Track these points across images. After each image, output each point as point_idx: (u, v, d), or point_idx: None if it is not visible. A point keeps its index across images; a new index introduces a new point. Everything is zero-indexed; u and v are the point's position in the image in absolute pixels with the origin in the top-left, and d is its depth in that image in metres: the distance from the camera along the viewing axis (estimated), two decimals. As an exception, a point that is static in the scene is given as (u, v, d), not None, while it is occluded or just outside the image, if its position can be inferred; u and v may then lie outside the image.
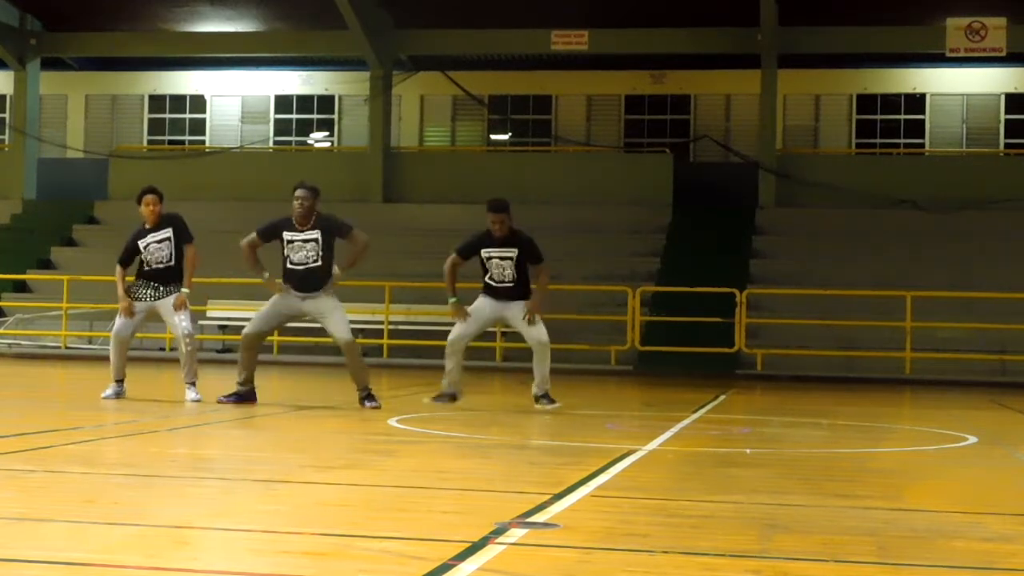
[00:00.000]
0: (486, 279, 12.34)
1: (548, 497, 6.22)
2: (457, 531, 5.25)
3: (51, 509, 5.66)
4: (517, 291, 12.31)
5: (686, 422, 11.70)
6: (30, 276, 28.22)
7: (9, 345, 25.64)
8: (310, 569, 4.52)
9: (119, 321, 12.32)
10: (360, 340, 24.39)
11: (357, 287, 25.15)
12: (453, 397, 12.50)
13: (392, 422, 10.71)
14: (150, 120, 35.02)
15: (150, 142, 34.86)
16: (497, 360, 23.18)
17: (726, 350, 23.49)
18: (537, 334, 12.25)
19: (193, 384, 12.27)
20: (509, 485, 7.18)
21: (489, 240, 12.24)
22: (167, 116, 34.97)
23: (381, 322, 24.60)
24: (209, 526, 5.39)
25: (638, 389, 18.68)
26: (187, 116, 34.87)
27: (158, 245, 12.23)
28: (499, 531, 5.20)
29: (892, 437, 11.51)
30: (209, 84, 34.70)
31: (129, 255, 12.38)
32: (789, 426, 12.08)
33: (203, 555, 4.81)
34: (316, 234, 11.89)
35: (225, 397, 12.09)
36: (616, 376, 22.21)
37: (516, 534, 5.19)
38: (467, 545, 4.88)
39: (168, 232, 12.26)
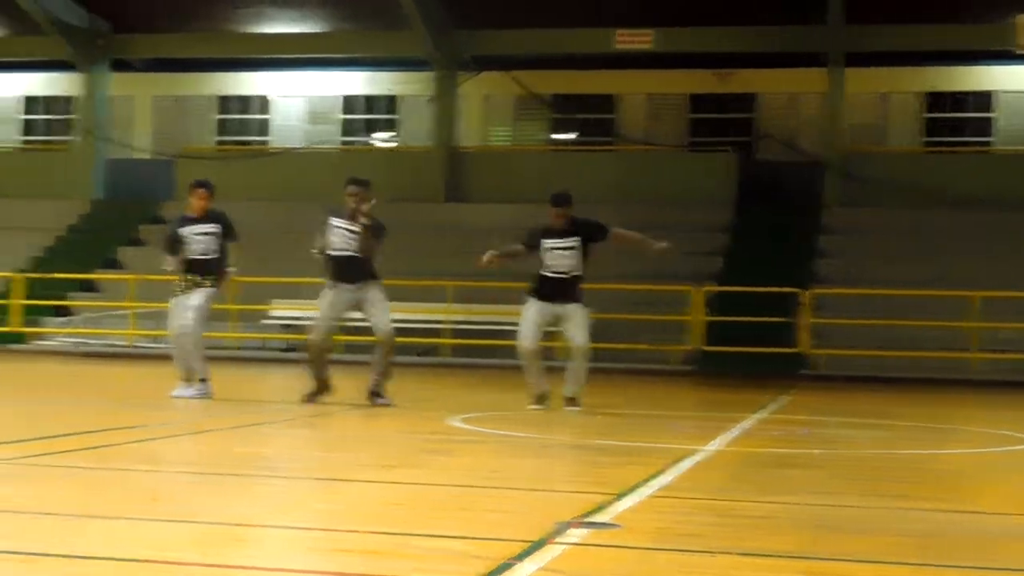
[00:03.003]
0: (541, 271, 12.13)
1: (608, 497, 6.22)
2: (517, 530, 5.26)
3: (115, 506, 5.73)
4: (572, 287, 12.11)
5: (747, 423, 11.65)
6: (97, 276, 28.50)
7: (76, 344, 25.92)
8: (369, 567, 4.54)
9: (173, 320, 12.49)
10: (420, 339, 24.68)
11: (418, 287, 25.25)
12: (546, 399, 12.30)
13: (452, 421, 10.73)
14: (216, 120, 35.30)
15: (217, 143, 35.14)
16: (559, 359, 23.11)
17: (789, 350, 23.34)
18: (581, 339, 12.09)
19: (188, 381, 12.38)
20: (569, 485, 7.19)
21: (549, 232, 12.15)
22: (234, 117, 35.23)
23: (442, 321, 24.64)
24: (268, 524, 5.43)
25: (700, 389, 18.61)
26: (253, 117, 35.11)
27: (200, 238, 12.51)
28: (559, 531, 5.21)
29: (954, 438, 11.40)
30: (274, 85, 34.92)
31: (173, 245, 12.61)
32: (850, 427, 11.99)
33: (262, 553, 4.85)
34: (359, 229, 12.12)
35: (309, 396, 12.19)
36: (678, 376, 22.13)
37: (576, 534, 5.19)
38: (527, 544, 4.89)
39: (214, 228, 12.57)
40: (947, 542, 5.36)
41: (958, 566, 4.86)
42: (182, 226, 12.62)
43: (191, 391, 12.28)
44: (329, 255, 12.18)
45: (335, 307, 12.21)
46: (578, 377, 12.23)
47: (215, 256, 12.54)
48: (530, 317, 12.15)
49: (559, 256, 12.05)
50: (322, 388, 12.24)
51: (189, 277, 12.52)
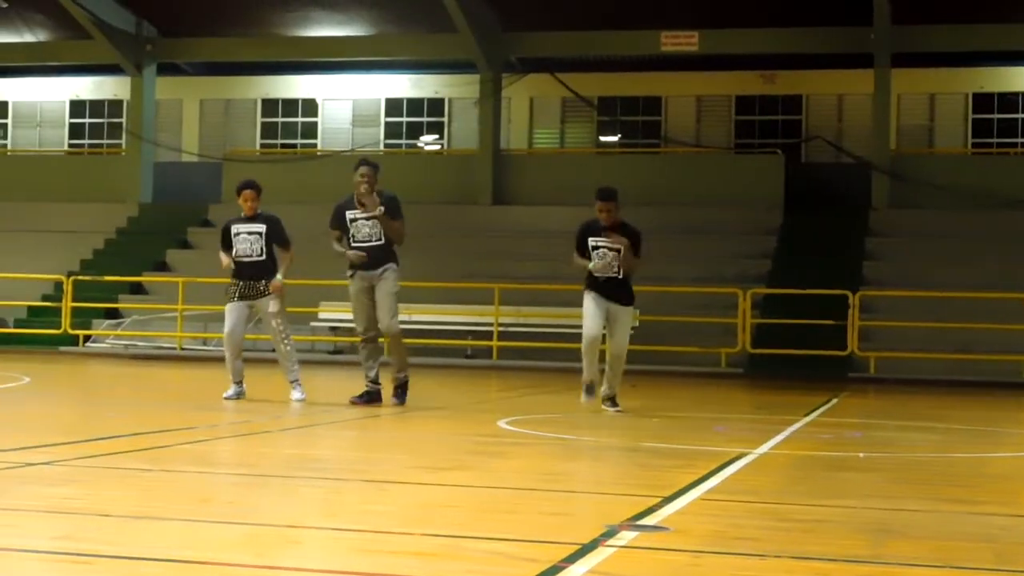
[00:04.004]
0: (590, 269, 12.01)
1: (658, 500, 6.19)
2: (566, 533, 5.24)
3: (167, 508, 5.75)
4: (622, 288, 12.02)
5: (797, 425, 11.59)
6: (146, 278, 28.67)
7: (126, 346, 26.08)
8: (419, 570, 4.54)
9: (229, 322, 12.59)
10: (469, 342, 24.69)
11: (466, 289, 25.29)
12: (591, 389, 12.24)
13: (501, 423, 10.72)
14: (263, 124, 35.45)
15: (263, 146, 35.29)
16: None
17: (838, 353, 23.22)
18: (618, 344, 12.11)
19: (297, 382, 12.54)
20: (618, 487, 7.16)
21: (596, 229, 12.03)
22: (279, 120, 35.37)
23: (491, 324, 24.65)
24: (319, 526, 5.44)
25: (749, 392, 18.54)
26: (299, 120, 35.24)
27: (248, 237, 12.57)
28: (609, 534, 5.19)
29: (1009, 442, 11.30)
30: (320, 88, 35.05)
31: (225, 239, 12.71)
32: (902, 430, 11.92)
33: (314, 555, 4.85)
34: (379, 211, 12.04)
35: (357, 398, 12.22)
36: (726, 379, 22.07)
37: (626, 537, 5.17)
38: (577, 547, 4.88)
39: (261, 228, 12.58)
40: (1011, 547, 5.30)
41: (1016, 571, 4.81)
42: (235, 222, 12.71)
43: (299, 394, 12.46)
44: (356, 247, 12.11)
45: (360, 297, 12.14)
46: (612, 379, 12.22)
47: (259, 259, 12.55)
48: (590, 309, 11.97)
49: (603, 255, 11.94)
50: (373, 394, 12.21)
51: (236, 282, 12.59)
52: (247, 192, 12.64)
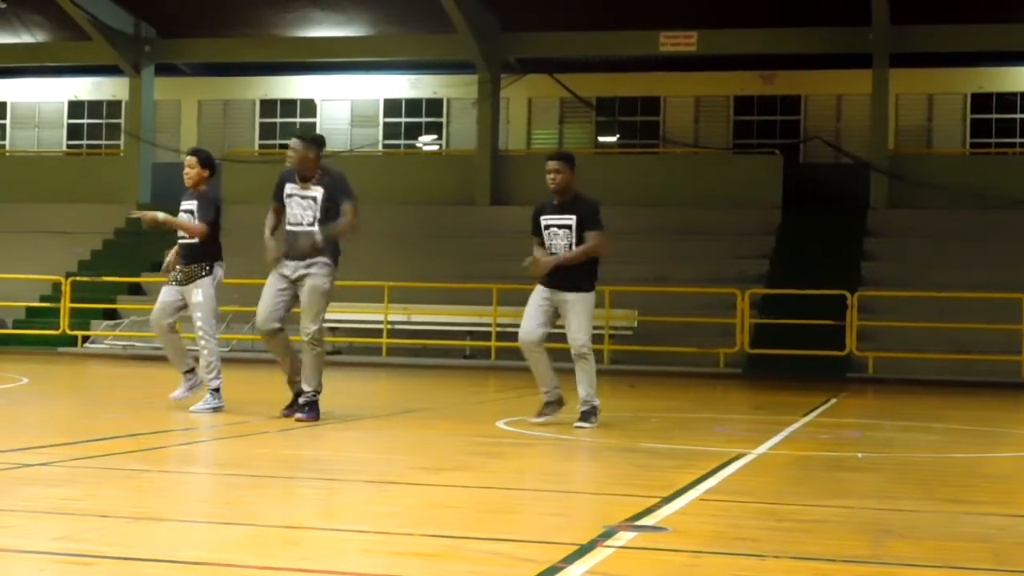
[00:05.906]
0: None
1: (656, 500, 6.20)
2: (565, 534, 5.25)
3: (166, 508, 5.76)
4: (575, 272, 10.42)
5: (796, 426, 11.59)
6: (144, 279, 28.64)
7: (124, 347, 26.07)
8: (419, 570, 4.54)
9: (155, 308, 11.43)
10: (468, 343, 24.69)
11: (465, 289, 25.29)
12: (559, 403, 10.64)
13: (500, 424, 10.72)
14: (261, 124, 35.45)
15: (261, 146, 35.28)
16: (605, 363, 23.08)
17: (837, 353, 23.21)
18: (574, 339, 10.39)
19: (215, 386, 11.30)
20: (617, 488, 7.16)
21: (547, 207, 10.63)
22: (278, 120, 35.36)
23: (489, 324, 24.64)
24: (320, 526, 5.44)
25: (747, 392, 18.54)
26: (298, 120, 35.24)
27: (182, 215, 11.32)
28: (607, 534, 5.20)
29: (1008, 442, 11.31)
30: (319, 88, 35.05)
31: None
32: (901, 430, 11.92)
33: (314, 555, 4.85)
34: (318, 192, 10.32)
35: (288, 410, 10.74)
36: (725, 379, 22.06)
37: (624, 537, 5.18)
38: (575, 548, 4.89)
39: (193, 205, 11.26)
40: (1009, 547, 5.31)
41: (1014, 571, 4.81)
42: (183, 198, 11.43)
43: (181, 392, 11.36)
44: (289, 229, 10.37)
45: (272, 282, 10.44)
46: (583, 382, 10.48)
47: (190, 240, 11.19)
48: (529, 304, 10.54)
49: (554, 235, 10.49)
50: (296, 394, 10.67)
51: (177, 266, 11.38)
52: (190, 159, 11.31)
